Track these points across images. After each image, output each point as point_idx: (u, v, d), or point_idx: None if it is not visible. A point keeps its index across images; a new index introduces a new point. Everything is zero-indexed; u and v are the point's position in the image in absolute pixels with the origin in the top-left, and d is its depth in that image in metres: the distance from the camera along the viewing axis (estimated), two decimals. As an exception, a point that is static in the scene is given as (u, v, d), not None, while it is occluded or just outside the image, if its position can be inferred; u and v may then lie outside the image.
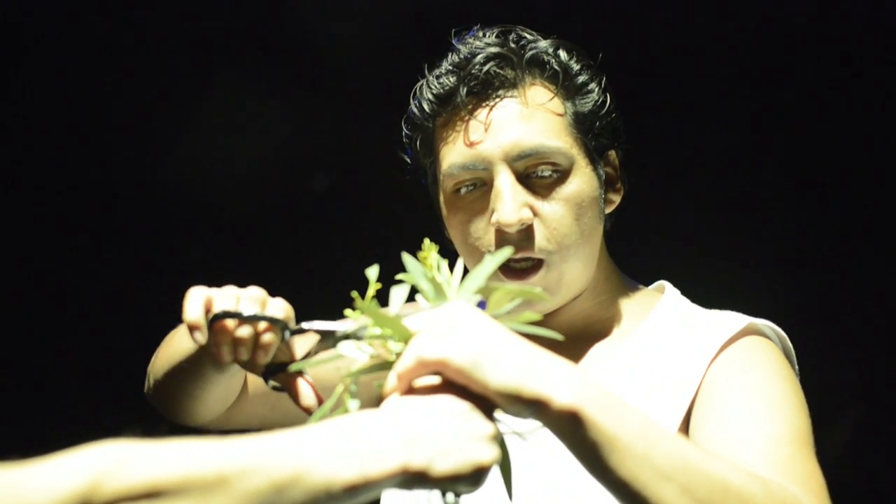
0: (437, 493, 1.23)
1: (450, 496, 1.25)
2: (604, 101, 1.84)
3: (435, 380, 1.24)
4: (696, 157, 3.02)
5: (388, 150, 1.95)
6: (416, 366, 1.23)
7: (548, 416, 1.24)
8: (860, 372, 3.00)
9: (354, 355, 1.30)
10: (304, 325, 1.49)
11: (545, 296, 1.37)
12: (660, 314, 1.87)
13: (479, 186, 1.79)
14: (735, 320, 1.80)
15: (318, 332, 1.49)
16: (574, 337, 1.83)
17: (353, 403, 1.29)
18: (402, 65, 1.96)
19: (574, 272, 1.79)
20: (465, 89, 1.78)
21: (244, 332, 1.50)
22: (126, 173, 3.18)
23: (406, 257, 1.35)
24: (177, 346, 1.74)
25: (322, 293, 1.96)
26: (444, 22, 1.90)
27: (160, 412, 1.89)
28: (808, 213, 3.01)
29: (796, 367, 1.82)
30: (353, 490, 1.14)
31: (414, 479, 1.17)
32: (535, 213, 1.77)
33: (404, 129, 1.89)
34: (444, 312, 1.27)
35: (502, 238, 1.76)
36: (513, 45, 1.81)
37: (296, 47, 3.12)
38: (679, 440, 1.31)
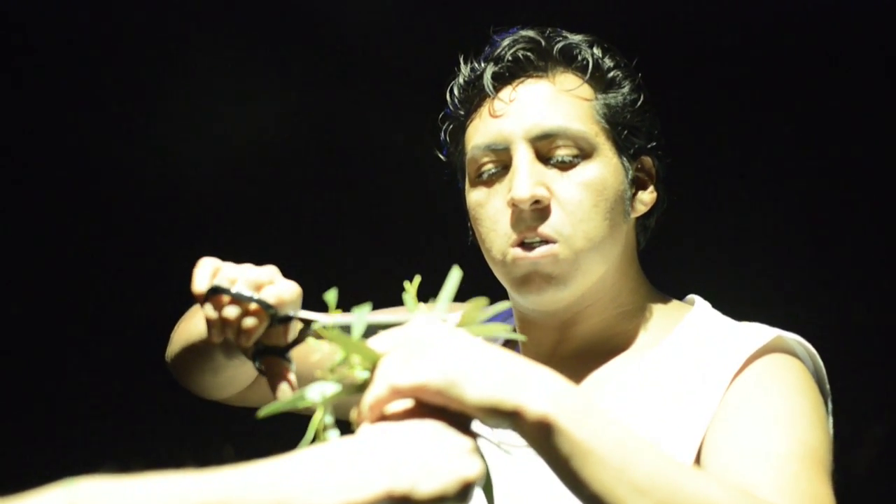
0: None
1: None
2: (635, 99, 1.80)
3: (407, 403, 1.22)
4: (731, 167, 2.99)
5: (385, 139, 1.92)
6: (390, 394, 1.21)
7: (522, 426, 1.22)
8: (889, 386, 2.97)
9: (322, 390, 1.27)
10: (293, 313, 1.47)
11: (516, 335, 1.38)
12: (686, 328, 1.80)
13: (501, 170, 1.77)
14: (761, 334, 1.72)
15: (304, 320, 1.47)
16: (594, 348, 1.79)
17: (332, 433, 1.26)
18: (401, 52, 1.93)
19: (590, 262, 1.74)
20: (492, 71, 1.78)
21: (231, 312, 1.48)
22: (106, 159, 3.14)
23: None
24: (193, 323, 1.73)
25: (314, 285, 1.93)
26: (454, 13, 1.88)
27: (178, 382, 1.88)
28: (842, 226, 2.98)
29: (826, 384, 1.75)
30: None
31: (399, 503, 1.15)
32: (553, 195, 1.73)
33: (441, 126, 1.88)
34: (409, 331, 1.25)
35: (517, 218, 1.73)
36: (545, 36, 1.80)
37: (294, 25, 3.08)
38: (660, 455, 1.27)
